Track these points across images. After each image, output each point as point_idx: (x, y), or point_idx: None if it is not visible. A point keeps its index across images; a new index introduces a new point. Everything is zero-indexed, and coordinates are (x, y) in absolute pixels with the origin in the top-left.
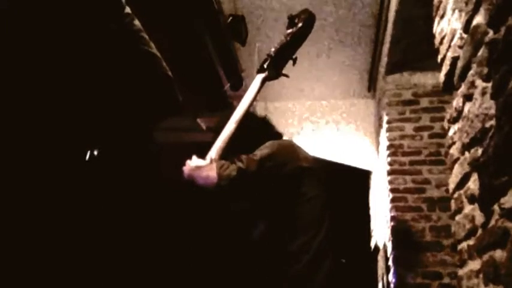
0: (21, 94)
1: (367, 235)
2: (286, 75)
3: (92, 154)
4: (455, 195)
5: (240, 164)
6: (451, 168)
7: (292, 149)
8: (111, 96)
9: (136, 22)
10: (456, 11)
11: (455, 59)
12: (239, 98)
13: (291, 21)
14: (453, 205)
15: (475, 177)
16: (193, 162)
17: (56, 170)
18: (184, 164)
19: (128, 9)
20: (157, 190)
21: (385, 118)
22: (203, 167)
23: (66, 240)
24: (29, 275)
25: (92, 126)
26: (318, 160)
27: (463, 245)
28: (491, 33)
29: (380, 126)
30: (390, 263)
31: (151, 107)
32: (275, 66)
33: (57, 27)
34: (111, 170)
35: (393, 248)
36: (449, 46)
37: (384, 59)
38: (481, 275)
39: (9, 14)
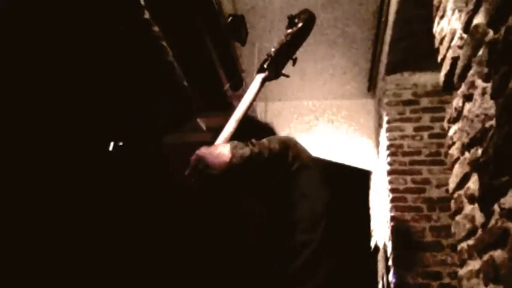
0: (28, 94)
1: (367, 235)
2: (287, 75)
3: (114, 148)
4: (455, 195)
5: (252, 147)
6: (451, 168)
7: (295, 146)
8: (125, 101)
9: (156, 29)
10: (456, 11)
11: (455, 59)
12: (239, 98)
13: (291, 21)
14: (453, 205)
15: (475, 177)
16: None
17: (65, 169)
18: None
19: (147, 15)
20: (158, 190)
21: (385, 118)
22: (216, 145)
23: (73, 237)
24: (35, 272)
25: (102, 131)
26: (317, 160)
27: (463, 245)
28: (491, 33)
29: (380, 126)
30: (390, 263)
31: (165, 115)
32: (275, 66)
33: (71, 31)
34: (118, 173)
35: (393, 248)
36: (449, 46)
37: (384, 59)
38: (481, 275)
39: (10, 14)
